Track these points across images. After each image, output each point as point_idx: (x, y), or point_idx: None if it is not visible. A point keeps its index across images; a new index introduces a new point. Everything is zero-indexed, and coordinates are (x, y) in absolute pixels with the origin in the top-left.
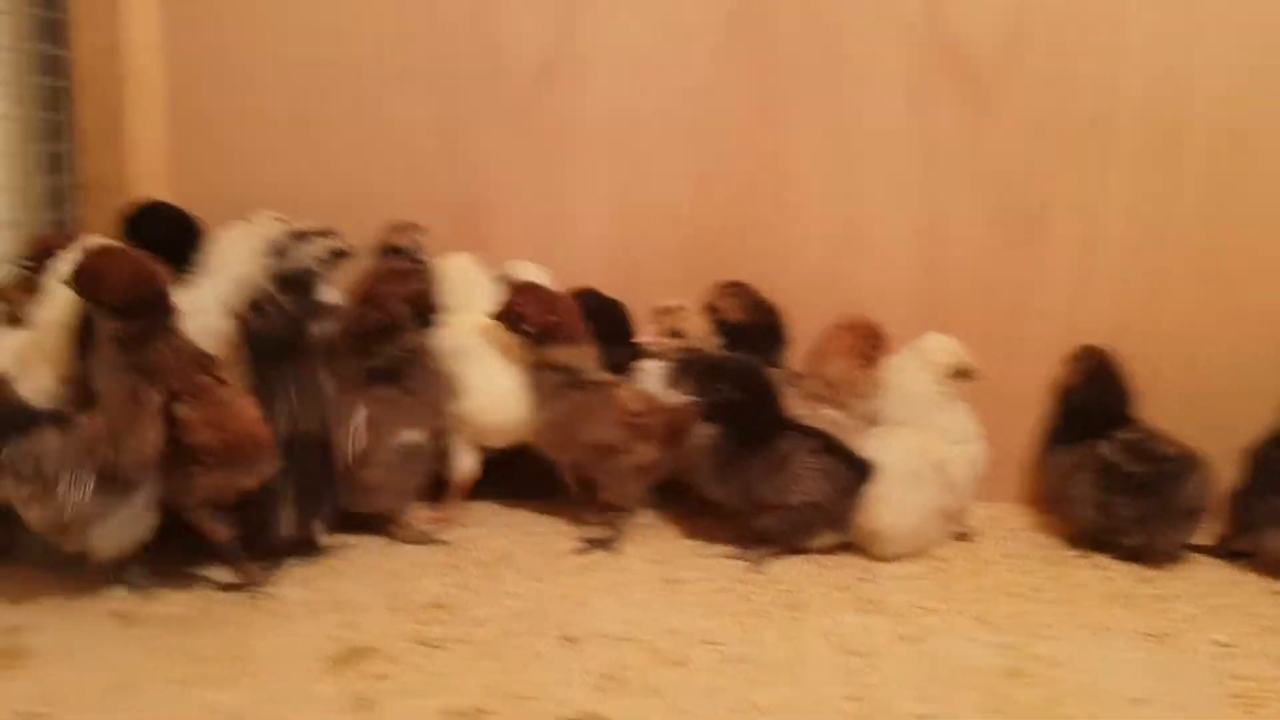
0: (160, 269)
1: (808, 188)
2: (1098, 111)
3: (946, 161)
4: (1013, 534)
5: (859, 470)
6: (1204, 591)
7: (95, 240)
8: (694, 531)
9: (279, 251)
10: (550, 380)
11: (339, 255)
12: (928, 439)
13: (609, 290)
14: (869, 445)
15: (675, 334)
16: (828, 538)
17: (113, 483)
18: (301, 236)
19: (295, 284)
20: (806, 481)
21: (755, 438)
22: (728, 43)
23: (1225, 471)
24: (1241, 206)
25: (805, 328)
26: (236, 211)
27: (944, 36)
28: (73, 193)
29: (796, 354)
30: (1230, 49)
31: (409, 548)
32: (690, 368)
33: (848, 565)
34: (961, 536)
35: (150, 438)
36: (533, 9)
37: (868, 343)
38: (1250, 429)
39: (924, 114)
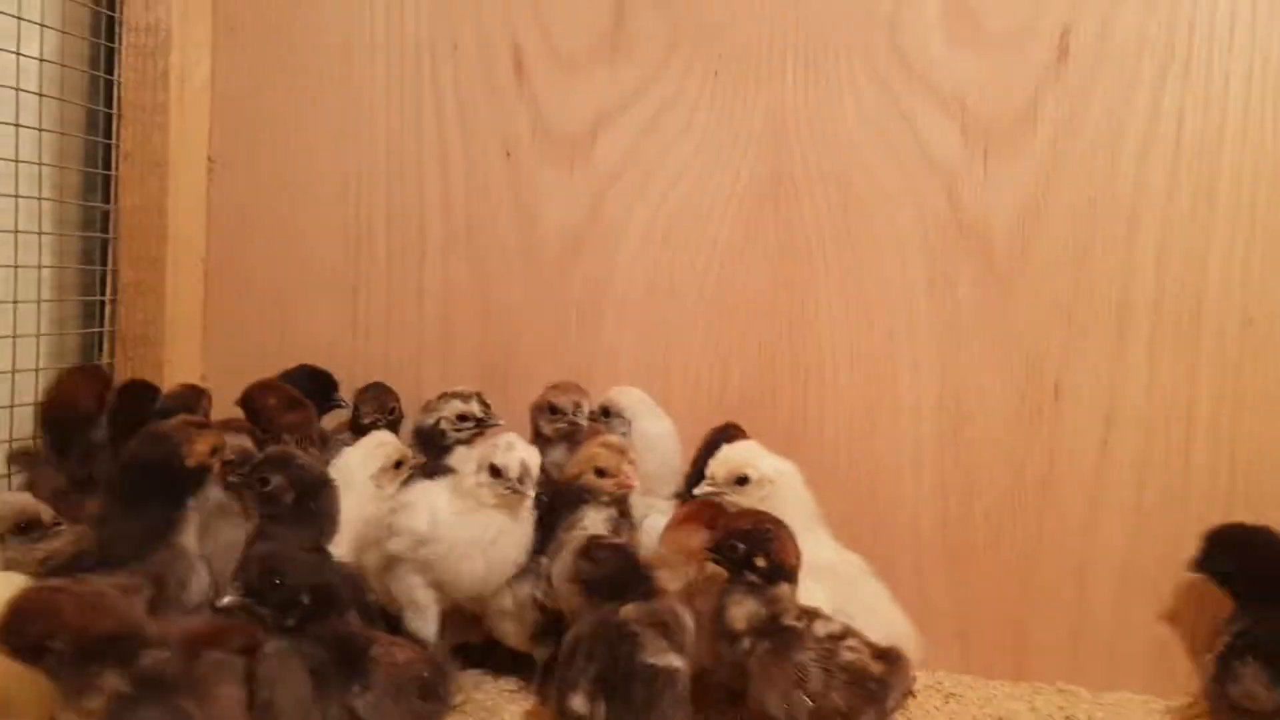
0: None
1: (831, 359)
2: (1113, 293)
3: (966, 337)
4: None
5: None
6: None
7: None
8: None
9: (424, 409)
10: None
11: (464, 419)
12: None
13: None
14: None
15: None
16: None
17: None
18: (442, 397)
19: (426, 442)
20: None
21: None
22: (754, 214)
23: None
24: (1257, 389)
25: (828, 497)
26: (271, 367)
27: (961, 216)
28: (107, 342)
29: None
30: (1245, 238)
31: None
32: None
33: None
34: None
35: None
36: (566, 185)
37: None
38: None
39: (944, 290)
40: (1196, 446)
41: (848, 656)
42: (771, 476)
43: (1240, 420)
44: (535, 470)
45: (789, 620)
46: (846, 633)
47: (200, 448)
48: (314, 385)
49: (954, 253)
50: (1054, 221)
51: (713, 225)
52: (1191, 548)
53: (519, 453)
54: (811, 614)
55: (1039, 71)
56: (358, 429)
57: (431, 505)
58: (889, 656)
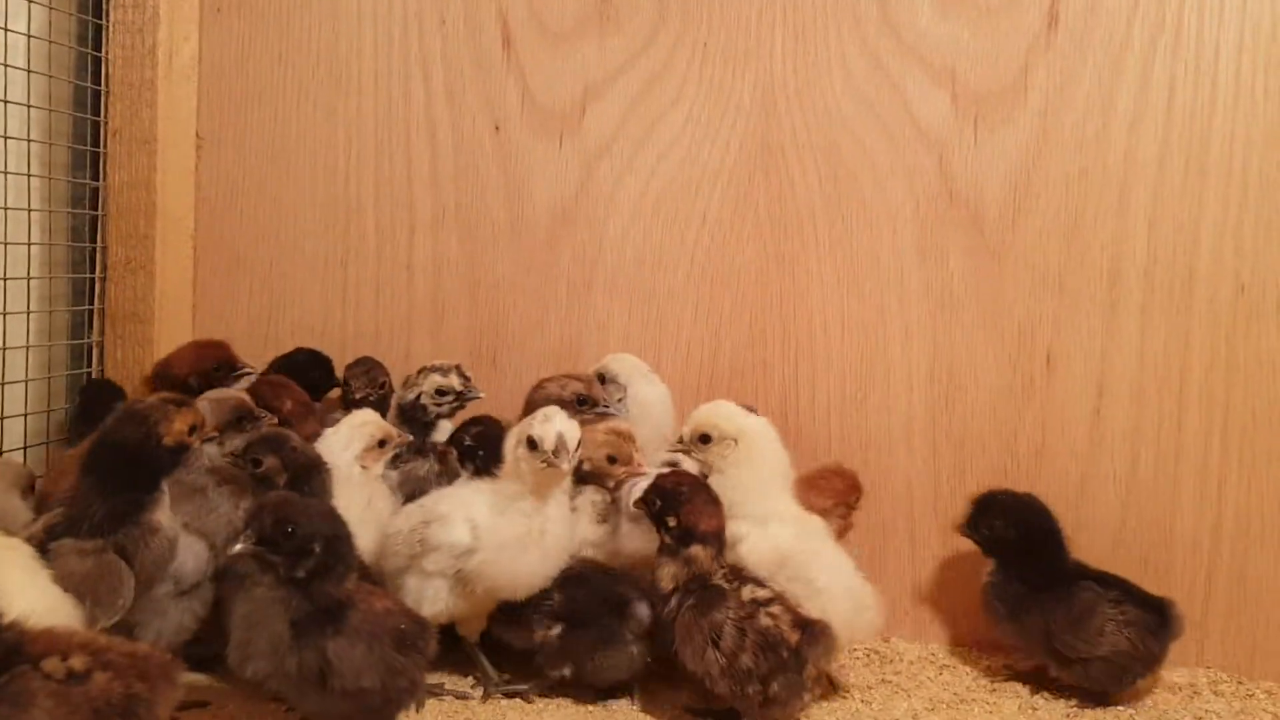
0: None
1: (822, 330)
2: (1105, 262)
3: (957, 308)
4: None
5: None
6: None
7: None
8: None
9: (405, 385)
10: None
11: (442, 393)
12: None
13: None
14: None
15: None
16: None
17: None
18: (421, 372)
19: (410, 418)
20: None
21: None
22: (744, 186)
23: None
24: (1249, 355)
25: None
26: (261, 342)
27: (952, 186)
28: (97, 319)
29: None
30: (1236, 206)
31: None
32: None
33: None
34: None
35: None
36: (555, 158)
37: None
38: (1259, 572)
39: (935, 260)
40: (1189, 415)
41: (764, 622)
42: (733, 434)
43: (1233, 388)
44: (572, 443)
45: (717, 580)
46: (772, 600)
47: (179, 426)
48: (315, 370)
49: (945, 223)
50: (1045, 191)
51: (702, 197)
52: (1184, 517)
53: (555, 425)
54: (745, 578)
55: (1029, 40)
56: (348, 404)
57: (469, 514)
58: (810, 628)
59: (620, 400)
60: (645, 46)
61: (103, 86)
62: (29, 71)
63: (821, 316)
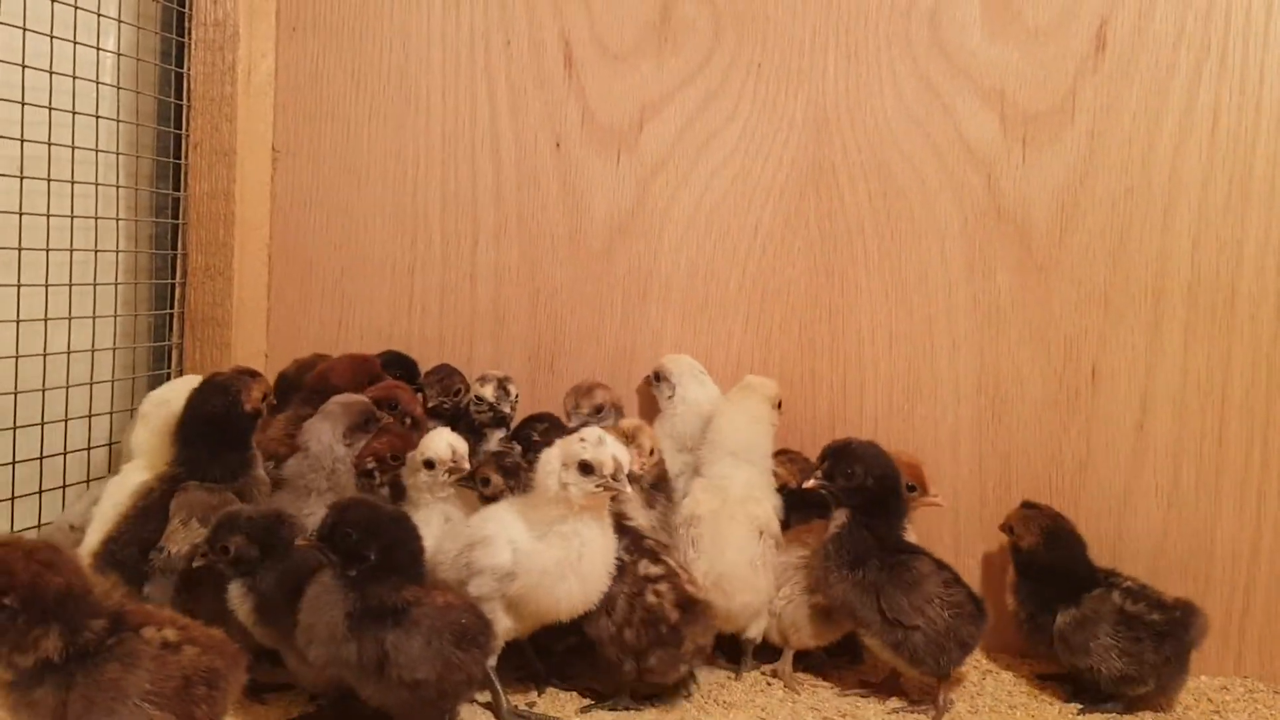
0: None
1: (870, 342)
2: (1149, 279)
3: (1004, 322)
4: None
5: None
6: None
7: None
8: None
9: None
10: None
11: (480, 402)
12: None
13: None
14: None
15: None
16: None
17: None
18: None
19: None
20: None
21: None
22: (795, 202)
23: None
24: None
25: None
26: (331, 345)
27: (1000, 203)
28: (177, 323)
29: None
30: (1277, 226)
31: None
32: None
33: None
34: None
35: None
36: (613, 174)
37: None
38: None
39: (982, 276)
40: (1229, 429)
41: (650, 600)
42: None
43: (1273, 403)
44: (627, 463)
45: (618, 552)
46: (663, 577)
47: (255, 394)
48: (401, 370)
49: (992, 239)
50: (1092, 209)
51: (754, 212)
52: (1225, 529)
53: (609, 448)
54: (644, 549)
55: (1077, 63)
56: (426, 412)
57: (510, 536)
58: (691, 608)
59: (670, 398)
60: (701, 67)
61: (184, 101)
62: (117, 88)
63: (870, 329)
